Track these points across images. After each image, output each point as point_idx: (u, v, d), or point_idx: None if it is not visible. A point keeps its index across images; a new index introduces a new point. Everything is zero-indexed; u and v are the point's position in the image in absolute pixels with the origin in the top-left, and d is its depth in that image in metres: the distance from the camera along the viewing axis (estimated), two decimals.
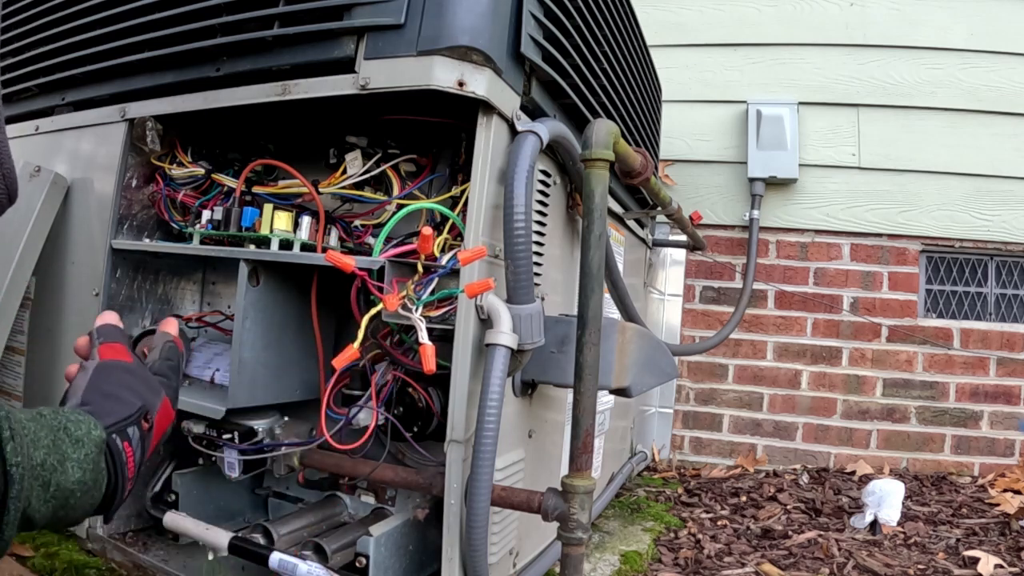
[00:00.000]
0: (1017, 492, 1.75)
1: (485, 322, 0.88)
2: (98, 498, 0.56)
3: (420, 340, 0.82)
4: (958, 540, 1.46)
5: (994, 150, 2.09)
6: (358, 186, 1.03)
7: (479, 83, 0.86)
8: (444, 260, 0.89)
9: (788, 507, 1.70)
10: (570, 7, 1.05)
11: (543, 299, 1.02)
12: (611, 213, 1.46)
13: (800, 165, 2.17)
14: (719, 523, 1.59)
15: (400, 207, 0.97)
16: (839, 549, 1.40)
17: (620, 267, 1.47)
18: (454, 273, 0.89)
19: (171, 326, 0.80)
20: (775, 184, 2.19)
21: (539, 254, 1.05)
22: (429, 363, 0.81)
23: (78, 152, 1.23)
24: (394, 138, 1.07)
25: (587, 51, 1.14)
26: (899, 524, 1.54)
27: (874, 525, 1.53)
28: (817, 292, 2.17)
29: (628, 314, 1.42)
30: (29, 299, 1.27)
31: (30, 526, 0.52)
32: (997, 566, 1.31)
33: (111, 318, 0.72)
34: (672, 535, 1.50)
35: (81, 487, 0.53)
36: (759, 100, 2.20)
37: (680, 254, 2.26)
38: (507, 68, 0.90)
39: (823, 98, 2.19)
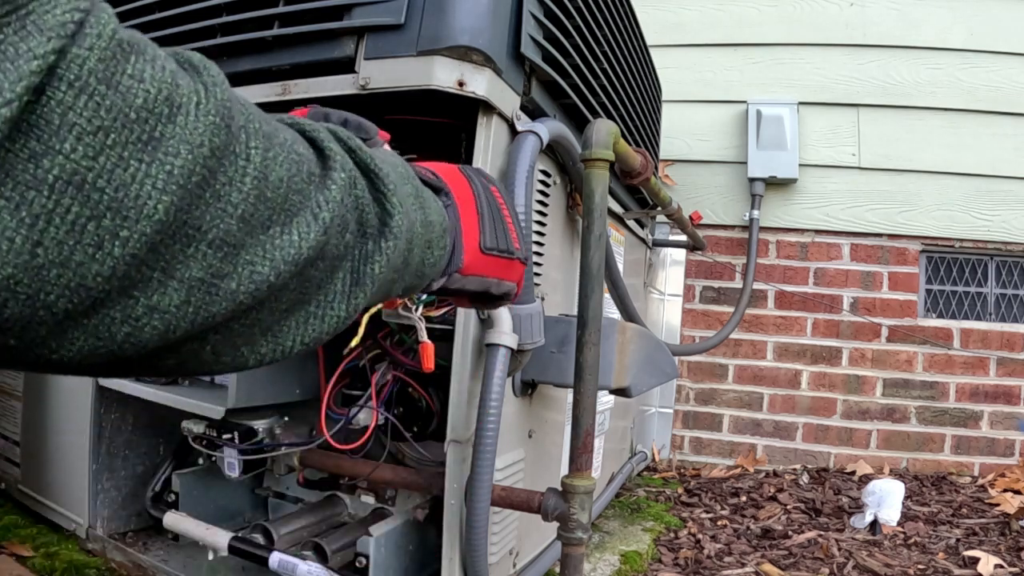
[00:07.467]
0: (1017, 492, 1.75)
1: (485, 322, 0.88)
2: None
3: (420, 339, 0.82)
4: (958, 540, 1.46)
5: (994, 150, 2.08)
6: None
7: (479, 83, 0.86)
8: None
9: (788, 507, 1.70)
10: (570, 7, 1.05)
11: (543, 299, 1.02)
12: (611, 213, 1.46)
13: (800, 165, 2.17)
14: (719, 523, 1.59)
15: None
16: (839, 549, 1.40)
17: (620, 267, 1.47)
18: None
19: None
20: (775, 184, 2.19)
21: (539, 254, 1.05)
22: (428, 361, 0.81)
23: None
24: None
25: (587, 51, 1.14)
26: (899, 524, 1.54)
27: (874, 525, 1.53)
28: (817, 292, 2.17)
29: (628, 314, 1.42)
30: None
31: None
32: (997, 566, 1.31)
33: None
34: (672, 535, 1.50)
35: (441, 225, 0.47)
36: (759, 100, 2.20)
37: (680, 254, 2.26)
38: (507, 68, 0.90)
39: (823, 98, 2.19)
